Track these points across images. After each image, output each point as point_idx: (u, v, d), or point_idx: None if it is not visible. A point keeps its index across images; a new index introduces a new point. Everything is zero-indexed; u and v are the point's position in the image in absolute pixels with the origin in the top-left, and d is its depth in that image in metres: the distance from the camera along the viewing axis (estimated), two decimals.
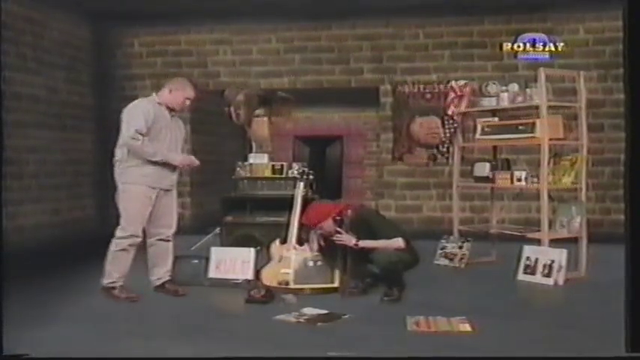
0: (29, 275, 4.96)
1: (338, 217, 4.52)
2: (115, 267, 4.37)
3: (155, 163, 4.34)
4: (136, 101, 4.48)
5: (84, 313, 4.10)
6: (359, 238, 4.42)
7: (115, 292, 4.35)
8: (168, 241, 4.60)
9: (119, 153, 4.37)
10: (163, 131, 4.40)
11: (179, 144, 4.58)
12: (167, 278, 4.62)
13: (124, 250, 4.35)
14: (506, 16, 7.82)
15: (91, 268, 4.66)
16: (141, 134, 4.26)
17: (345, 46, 8.35)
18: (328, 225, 4.49)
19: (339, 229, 4.48)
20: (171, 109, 4.48)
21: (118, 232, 4.36)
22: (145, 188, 4.34)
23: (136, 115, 4.30)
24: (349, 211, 4.56)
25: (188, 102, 4.54)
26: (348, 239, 4.43)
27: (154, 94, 4.51)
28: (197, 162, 4.58)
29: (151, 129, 4.31)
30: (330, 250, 4.60)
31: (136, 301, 4.32)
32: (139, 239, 4.40)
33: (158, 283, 4.59)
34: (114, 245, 4.36)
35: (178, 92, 4.47)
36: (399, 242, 4.38)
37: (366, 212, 4.87)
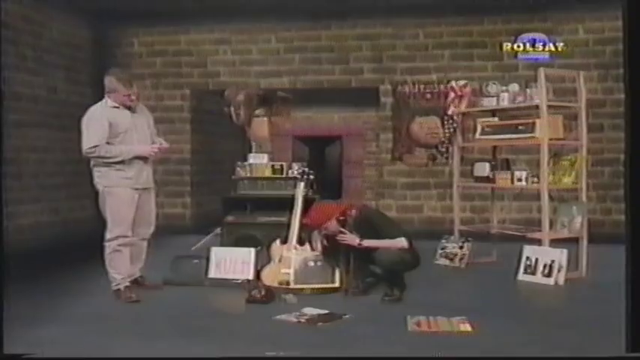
0: (29, 275, 4.96)
1: (341, 217, 4.51)
2: (114, 269, 4.39)
3: (131, 163, 4.35)
4: (90, 109, 4.40)
5: (84, 312, 4.09)
6: (362, 238, 4.41)
7: (120, 295, 4.37)
8: (145, 240, 4.64)
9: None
10: (128, 132, 4.37)
11: (148, 138, 4.53)
12: (138, 275, 4.64)
13: (116, 251, 4.37)
14: (506, 16, 7.82)
15: (91, 268, 4.67)
16: (96, 147, 4.26)
17: (345, 46, 8.35)
18: (332, 225, 4.48)
19: (342, 229, 4.48)
20: (127, 107, 4.40)
21: (107, 235, 4.38)
22: (128, 190, 4.37)
23: (91, 129, 4.30)
24: (353, 211, 4.55)
25: (133, 97, 4.39)
26: (351, 239, 4.42)
27: (106, 97, 4.42)
28: (165, 145, 4.54)
29: (110, 136, 4.30)
30: (333, 250, 4.60)
31: (137, 302, 4.32)
32: (129, 238, 4.42)
33: (130, 279, 4.58)
34: (106, 249, 4.39)
35: (114, 93, 4.38)
36: (402, 242, 4.37)
37: (369, 212, 4.85)
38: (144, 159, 4.45)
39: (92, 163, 4.40)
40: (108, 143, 4.31)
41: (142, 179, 4.46)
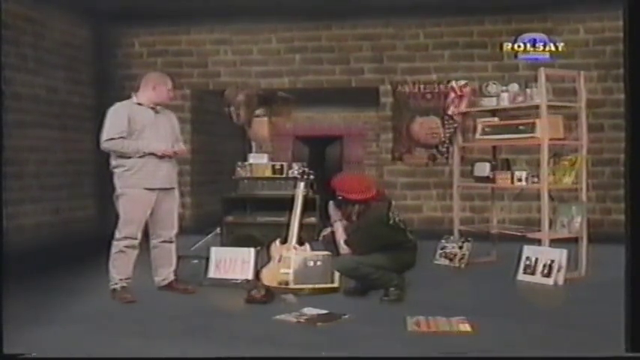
0: (29, 275, 4.96)
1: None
2: (115, 269, 4.39)
3: (147, 164, 4.34)
4: (114, 105, 4.44)
5: (84, 312, 4.10)
6: (349, 222, 4.46)
7: (115, 294, 4.37)
8: (171, 242, 4.61)
9: (114, 159, 4.40)
10: (145, 130, 4.37)
11: (169, 138, 4.51)
12: (172, 278, 4.64)
13: (121, 251, 4.37)
14: (506, 16, 7.82)
15: (91, 268, 4.67)
16: (112, 140, 4.29)
17: (345, 46, 8.35)
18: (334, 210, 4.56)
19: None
20: (155, 105, 4.45)
21: (115, 234, 4.40)
22: (142, 191, 4.35)
23: (109, 123, 4.33)
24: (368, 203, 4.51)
25: (171, 94, 4.54)
26: (334, 214, 4.52)
27: (132, 95, 4.48)
28: (183, 148, 4.59)
29: (130, 132, 4.33)
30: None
31: (132, 302, 4.30)
32: (136, 241, 4.40)
33: (164, 283, 4.61)
34: (113, 247, 4.40)
35: (162, 87, 4.46)
36: (342, 250, 4.45)
37: (375, 206, 4.52)
38: (160, 158, 4.41)
39: (112, 165, 4.40)
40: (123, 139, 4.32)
41: (158, 179, 4.41)
